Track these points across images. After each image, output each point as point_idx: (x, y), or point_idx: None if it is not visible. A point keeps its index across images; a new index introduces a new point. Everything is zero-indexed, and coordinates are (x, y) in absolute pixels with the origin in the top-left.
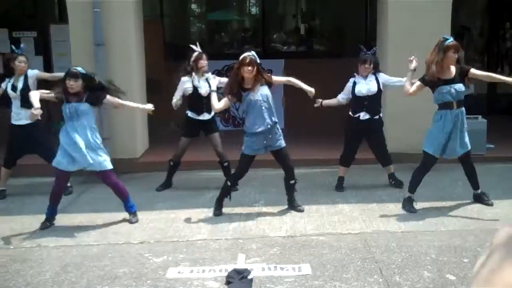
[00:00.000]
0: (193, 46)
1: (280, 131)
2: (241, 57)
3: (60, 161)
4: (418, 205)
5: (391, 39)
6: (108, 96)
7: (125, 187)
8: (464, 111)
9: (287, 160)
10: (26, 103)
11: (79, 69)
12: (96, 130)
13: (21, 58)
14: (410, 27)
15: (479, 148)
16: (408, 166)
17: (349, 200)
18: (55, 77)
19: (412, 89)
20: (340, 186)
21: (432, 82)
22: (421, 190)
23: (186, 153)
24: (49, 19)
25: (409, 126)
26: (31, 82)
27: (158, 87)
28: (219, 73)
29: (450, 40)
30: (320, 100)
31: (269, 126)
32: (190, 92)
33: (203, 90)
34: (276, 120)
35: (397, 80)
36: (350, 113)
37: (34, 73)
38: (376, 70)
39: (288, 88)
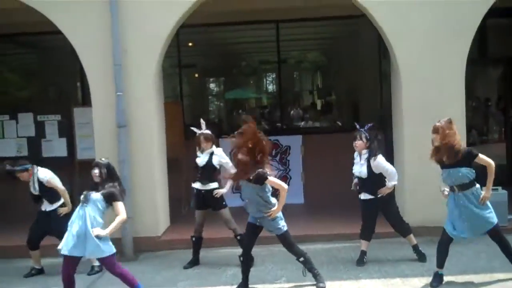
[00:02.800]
0: (195, 129)
1: (277, 220)
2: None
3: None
4: (445, 279)
5: (405, 111)
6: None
7: (131, 274)
8: (469, 195)
9: (284, 245)
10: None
11: (103, 159)
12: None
13: (17, 174)
14: (424, 98)
15: (501, 220)
16: (428, 239)
17: (372, 275)
18: (58, 188)
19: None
20: (361, 260)
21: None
22: (447, 263)
23: (205, 231)
24: (73, 102)
25: (428, 199)
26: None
27: (178, 166)
28: None
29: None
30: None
31: (256, 220)
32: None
33: (199, 160)
34: (263, 214)
35: (390, 171)
36: (357, 187)
37: (48, 178)
38: (370, 150)
39: (307, 163)
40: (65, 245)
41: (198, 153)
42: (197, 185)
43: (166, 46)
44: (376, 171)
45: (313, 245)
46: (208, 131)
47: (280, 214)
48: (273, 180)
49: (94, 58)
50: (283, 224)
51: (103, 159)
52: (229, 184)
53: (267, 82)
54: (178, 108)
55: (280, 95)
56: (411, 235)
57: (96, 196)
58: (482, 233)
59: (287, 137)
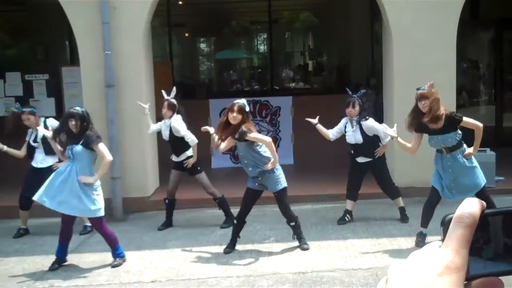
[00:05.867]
0: (164, 93)
1: (277, 174)
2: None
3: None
4: (429, 239)
5: (397, 74)
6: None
7: (115, 235)
8: (458, 156)
9: (280, 205)
10: (50, 151)
11: (77, 109)
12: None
13: (24, 116)
14: (416, 62)
15: (489, 181)
16: (416, 200)
17: (359, 235)
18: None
19: (412, 143)
20: (342, 218)
21: (419, 127)
22: (431, 224)
23: (194, 191)
24: (61, 62)
25: (417, 160)
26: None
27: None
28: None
29: (419, 89)
30: (316, 121)
31: (254, 176)
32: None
33: (163, 134)
34: (264, 168)
35: (381, 128)
36: (352, 151)
37: (54, 125)
38: (361, 116)
39: (297, 124)
40: (42, 195)
41: (162, 123)
42: (173, 157)
43: (155, 4)
44: (369, 133)
45: (302, 206)
46: (173, 100)
47: (280, 169)
48: (254, 135)
49: (82, 16)
50: (283, 180)
51: (77, 108)
52: (194, 151)
53: (258, 42)
54: (168, 68)
55: (271, 56)
56: (400, 198)
57: (78, 148)
58: (470, 194)
59: (277, 98)
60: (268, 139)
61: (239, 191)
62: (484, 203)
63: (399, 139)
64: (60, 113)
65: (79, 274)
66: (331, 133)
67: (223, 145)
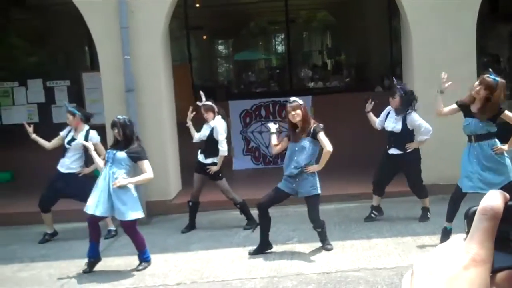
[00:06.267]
0: (198, 102)
1: (315, 179)
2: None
3: (87, 205)
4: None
5: (416, 71)
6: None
7: (144, 239)
8: (485, 147)
9: (310, 211)
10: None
11: (119, 117)
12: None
13: (67, 114)
14: (435, 58)
15: None
16: (440, 197)
17: (383, 234)
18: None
19: (445, 109)
20: (369, 216)
21: (463, 107)
22: (455, 221)
23: (216, 193)
24: (81, 68)
25: (442, 157)
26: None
27: (188, 129)
28: (247, 113)
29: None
30: (369, 109)
31: (292, 173)
32: None
33: (202, 132)
34: (303, 169)
35: (424, 127)
36: (387, 146)
37: (96, 140)
38: (403, 106)
39: (317, 120)
40: (90, 205)
41: (204, 125)
42: (200, 156)
43: (173, 7)
44: (410, 127)
45: (326, 206)
46: (208, 102)
47: (317, 176)
48: (324, 136)
49: (101, 22)
50: (319, 186)
51: (119, 116)
52: (220, 160)
53: (276, 42)
54: (187, 71)
55: (289, 56)
56: (427, 199)
57: (121, 155)
58: (495, 187)
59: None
60: (331, 148)
61: (260, 192)
62: (508, 195)
63: (440, 96)
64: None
65: (104, 278)
66: (377, 122)
67: (279, 147)
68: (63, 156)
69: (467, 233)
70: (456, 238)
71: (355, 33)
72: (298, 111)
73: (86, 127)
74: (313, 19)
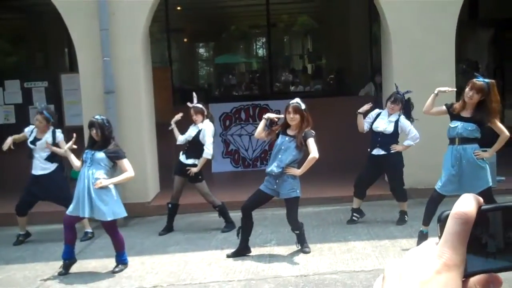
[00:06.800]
0: (188, 103)
1: (296, 181)
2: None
3: (71, 208)
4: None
5: (396, 75)
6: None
7: (123, 240)
8: (469, 150)
9: (289, 213)
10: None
11: (97, 117)
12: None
13: (37, 116)
14: (415, 62)
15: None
16: (418, 201)
17: (361, 237)
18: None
19: (433, 109)
20: (350, 219)
21: (451, 112)
22: (432, 224)
23: (195, 195)
24: (60, 69)
25: (421, 162)
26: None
27: (167, 131)
28: (227, 116)
29: (478, 79)
30: (362, 110)
31: (273, 171)
32: None
33: (188, 133)
34: (284, 171)
35: (414, 133)
36: (369, 149)
37: (61, 138)
38: (406, 115)
39: None
40: (74, 207)
41: (191, 126)
42: (181, 157)
43: (153, 9)
44: (400, 131)
45: (304, 209)
46: (199, 104)
47: (298, 179)
48: (313, 143)
49: (80, 23)
50: (299, 189)
51: (97, 117)
52: (202, 162)
53: (257, 46)
54: (167, 74)
55: (270, 60)
56: (405, 203)
57: (100, 155)
58: (474, 192)
59: (277, 102)
60: (317, 155)
61: (240, 195)
62: (481, 199)
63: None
64: (59, 120)
65: (80, 280)
66: (366, 125)
67: (263, 135)
68: (31, 157)
69: (440, 237)
70: (428, 242)
71: (336, 38)
72: (297, 116)
73: (51, 127)
74: (294, 23)
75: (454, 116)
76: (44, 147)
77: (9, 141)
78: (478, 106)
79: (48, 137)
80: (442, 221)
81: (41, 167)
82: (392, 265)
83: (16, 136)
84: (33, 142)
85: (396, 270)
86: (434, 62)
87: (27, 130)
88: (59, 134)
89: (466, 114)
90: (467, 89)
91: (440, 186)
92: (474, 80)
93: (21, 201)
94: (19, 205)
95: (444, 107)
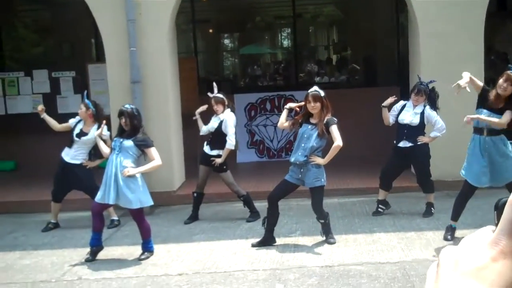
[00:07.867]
0: (209, 93)
1: (320, 170)
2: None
3: (99, 195)
4: (457, 233)
5: (424, 67)
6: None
7: (150, 228)
8: (497, 142)
9: (314, 202)
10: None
11: (127, 106)
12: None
13: (81, 105)
14: (442, 54)
15: None
16: (445, 194)
17: (387, 228)
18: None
19: (476, 81)
20: (376, 211)
21: (484, 96)
22: (461, 218)
23: (220, 185)
24: (87, 59)
25: (448, 154)
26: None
27: (192, 121)
28: (252, 106)
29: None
30: (387, 104)
31: (298, 160)
32: None
33: (210, 124)
34: (308, 160)
35: (440, 124)
36: (394, 141)
37: (107, 136)
38: (430, 104)
39: None
40: (102, 194)
41: (213, 117)
42: (206, 147)
43: (179, 1)
44: (426, 122)
45: (330, 200)
46: (219, 95)
47: (323, 168)
48: (336, 130)
49: (107, 14)
50: (324, 178)
51: (126, 106)
52: (226, 153)
53: (282, 37)
54: (193, 64)
55: (295, 50)
56: (432, 195)
57: (128, 143)
58: (501, 184)
59: (302, 92)
60: (341, 143)
61: (264, 185)
62: None
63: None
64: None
65: (106, 267)
66: (391, 118)
67: (286, 124)
68: (69, 146)
69: (496, 224)
70: (485, 229)
71: (362, 29)
72: (318, 104)
73: (96, 124)
74: (320, 14)
75: (483, 102)
76: (90, 142)
77: (40, 107)
78: (509, 98)
79: (93, 133)
80: (500, 208)
81: (72, 155)
82: (447, 251)
83: (50, 120)
84: (79, 135)
85: (452, 256)
86: (462, 54)
87: (72, 121)
88: (106, 132)
89: (499, 105)
90: (501, 81)
91: (472, 179)
92: (509, 72)
93: (55, 187)
94: (53, 192)
95: (482, 84)
